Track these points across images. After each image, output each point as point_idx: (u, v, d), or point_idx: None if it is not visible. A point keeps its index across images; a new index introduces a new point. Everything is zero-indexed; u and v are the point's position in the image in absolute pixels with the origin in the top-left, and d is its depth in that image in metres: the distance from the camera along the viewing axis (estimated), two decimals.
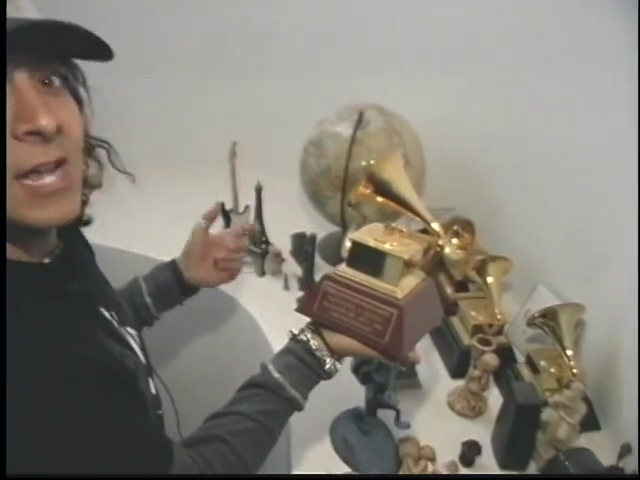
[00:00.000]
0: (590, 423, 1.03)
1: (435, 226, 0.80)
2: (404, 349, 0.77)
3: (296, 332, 0.80)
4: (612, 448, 1.00)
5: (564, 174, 1.20)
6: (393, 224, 0.81)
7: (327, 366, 0.78)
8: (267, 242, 1.43)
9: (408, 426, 0.97)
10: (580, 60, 1.11)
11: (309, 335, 0.79)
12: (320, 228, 1.50)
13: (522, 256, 1.27)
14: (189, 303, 1.13)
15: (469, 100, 1.46)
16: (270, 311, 1.31)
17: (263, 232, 1.43)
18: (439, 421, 1.07)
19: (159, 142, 1.81)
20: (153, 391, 0.78)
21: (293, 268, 1.42)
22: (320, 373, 0.79)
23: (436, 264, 1.35)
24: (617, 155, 1.04)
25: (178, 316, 1.36)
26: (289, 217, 1.56)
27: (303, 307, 0.82)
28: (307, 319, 0.82)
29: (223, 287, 1.36)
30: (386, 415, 1.02)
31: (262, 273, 1.44)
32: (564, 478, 0.89)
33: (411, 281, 0.80)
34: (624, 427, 1.02)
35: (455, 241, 1.32)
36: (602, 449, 0.97)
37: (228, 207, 1.43)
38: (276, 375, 0.77)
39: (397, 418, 0.97)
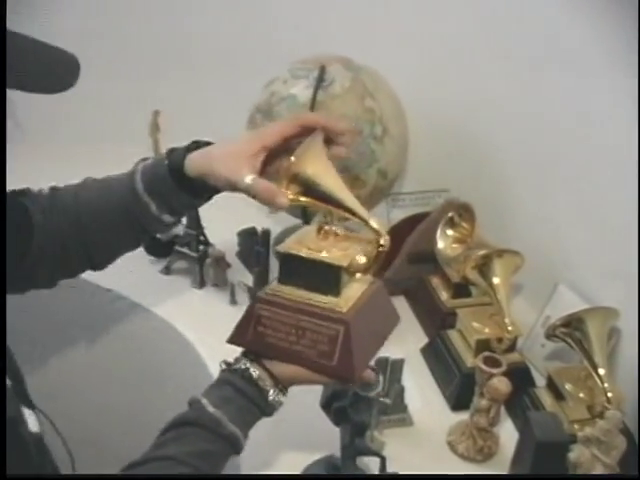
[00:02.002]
0: (631, 461, 1.01)
1: (374, 223, 0.84)
2: (356, 369, 0.81)
3: (231, 361, 0.83)
4: None
5: (587, 141, 1.20)
6: (326, 227, 0.85)
7: (270, 397, 0.82)
8: (206, 243, 1.41)
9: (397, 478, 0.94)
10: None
11: (247, 363, 0.82)
12: (275, 222, 1.48)
13: (537, 249, 1.26)
14: (102, 326, 1.11)
15: (463, 51, 1.44)
16: (212, 334, 1.25)
17: (200, 230, 1.40)
18: (437, 468, 1.04)
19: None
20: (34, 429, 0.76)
21: (242, 275, 1.39)
22: (262, 406, 0.82)
23: (428, 263, 1.34)
24: None
25: (83, 342, 1.33)
26: (233, 208, 1.52)
27: (235, 336, 0.85)
28: None
29: (150, 305, 1.35)
30: (368, 463, 1.00)
31: (201, 283, 1.41)
32: (563, 478, 0.93)
33: (355, 289, 0.84)
34: None
35: (450, 233, 1.32)
36: None
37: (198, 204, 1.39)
38: (211, 409, 0.78)
39: (382, 468, 0.95)
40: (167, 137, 1.38)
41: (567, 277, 1.23)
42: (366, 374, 0.87)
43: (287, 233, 1.47)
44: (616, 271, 1.16)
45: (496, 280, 1.18)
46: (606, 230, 1.18)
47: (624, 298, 1.11)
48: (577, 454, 0.96)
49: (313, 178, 0.83)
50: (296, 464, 1.02)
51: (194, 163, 0.87)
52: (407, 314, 1.37)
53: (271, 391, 0.82)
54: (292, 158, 0.82)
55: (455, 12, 1.43)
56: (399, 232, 1.39)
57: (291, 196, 0.84)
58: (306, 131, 0.87)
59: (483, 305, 1.24)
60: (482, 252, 1.20)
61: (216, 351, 1.19)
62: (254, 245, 1.36)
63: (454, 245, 1.30)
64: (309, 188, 0.84)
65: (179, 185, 0.88)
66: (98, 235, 0.93)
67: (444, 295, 1.32)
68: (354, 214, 0.85)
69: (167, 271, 1.43)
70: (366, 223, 0.84)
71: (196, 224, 1.40)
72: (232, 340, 0.85)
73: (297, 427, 1.09)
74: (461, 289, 1.31)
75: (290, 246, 0.82)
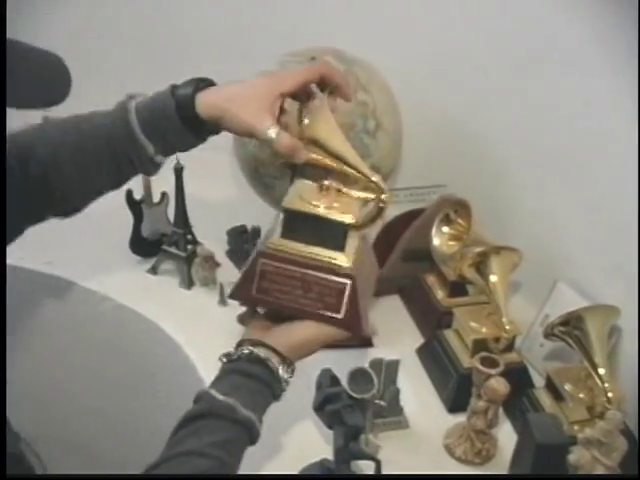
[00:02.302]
0: (632, 463, 1.01)
1: (376, 179, 0.89)
2: (362, 321, 0.86)
3: (231, 351, 0.84)
4: None
5: (588, 134, 1.20)
6: (326, 182, 0.90)
7: (281, 374, 0.83)
8: (194, 242, 1.40)
9: None
10: None
11: (250, 347, 0.83)
12: (265, 218, 1.46)
13: (535, 246, 1.27)
14: (88, 328, 1.10)
15: (460, 39, 1.43)
16: (202, 336, 1.28)
17: (187, 229, 1.40)
18: (435, 472, 1.05)
19: None
20: None
21: (231, 275, 1.38)
22: (273, 386, 0.83)
23: (423, 261, 1.35)
24: None
25: (80, 344, 1.32)
26: (222, 206, 1.53)
27: (238, 293, 0.88)
28: None
29: (138, 307, 1.35)
30: (363, 467, 1.00)
31: (189, 284, 1.40)
32: (564, 478, 0.93)
33: (354, 244, 0.88)
34: None
35: (446, 229, 1.32)
36: None
37: (137, 196, 1.39)
38: (222, 398, 0.79)
39: (377, 472, 0.96)
40: None
41: (567, 274, 1.24)
42: (370, 327, 0.90)
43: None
44: (617, 268, 1.16)
45: (493, 278, 1.18)
46: (606, 227, 1.18)
47: (625, 296, 1.12)
48: (577, 456, 0.97)
49: (324, 140, 0.88)
50: (289, 469, 1.03)
51: (208, 104, 0.85)
52: (402, 314, 1.38)
53: (280, 368, 0.83)
54: (306, 121, 0.88)
55: (453, 5, 1.43)
56: (393, 229, 1.40)
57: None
58: (320, 80, 0.90)
59: (480, 304, 1.24)
60: (479, 249, 1.20)
61: (205, 353, 1.21)
62: (244, 243, 1.36)
63: (450, 242, 1.31)
64: (321, 147, 0.89)
65: (186, 126, 0.86)
66: (76, 176, 0.88)
67: (440, 294, 1.32)
68: (359, 171, 0.89)
69: (154, 271, 1.43)
70: (369, 179, 0.88)
71: (184, 222, 1.40)
72: (234, 296, 0.89)
73: (289, 432, 1.10)
74: (457, 288, 1.31)
75: (296, 202, 0.86)
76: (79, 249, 1.03)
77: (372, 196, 0.88)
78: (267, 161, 1.32)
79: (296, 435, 1.10)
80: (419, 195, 1.44)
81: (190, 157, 1.33)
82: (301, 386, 1.14)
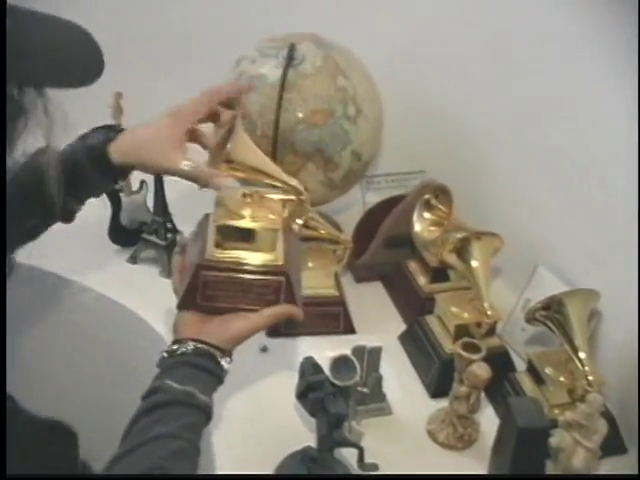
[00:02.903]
0: (613, 445, 1.04)
1: (294, 183, 1.03)
2: (300, 308, 0.98)
3: (174, 347, 0.89)
4: None
5: (570, 121, 1.21)
6: (246, 190, 0.99)
7: (223, 364, 0.90)
8: (174, 230, 1.39)
9: (376, 468, 0.96)
10: None
11: (195, 343, 0.88)
12: None
13: (516, 231, 1.27)
14: (66, 320, 1.09)
15: (440, 24, 1.44)
16: None
17: (167, 217, 1.39)
18: (418, 458, 1.06)
19: None
20: None
21: None
22: (220, 375, 0.90)
23: (405, 247, 1.35)
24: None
25: (59, 337, 1.31)
26: (200, 193, 1.51)
27: (185, 303, 0.95)
28: None
29: (119, 297, 1.33)
30: (346, 454, 1.01)
31: (170, 272, 1.36)
32: (564, 478, 0.94)
33: (281, 241, 1.00)
34: None
35: (427, 215, 1.32)
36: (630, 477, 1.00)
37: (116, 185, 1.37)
38: (180, 387, 0.84)
39: (360, 459, 0.96)
40: (131, 120, 1.35)
41: (547, 259, 1.25)
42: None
43: None
44: (595, 253, 1.17)
45: (475, 263, 1.18)
46: (586, 213, 1.19)
47: (603, 280, 1.13)
48: (558, 439, 0.98)
49: (244, 160, 1.00)
50: (272, 458, 1.03)
51: (121, 153, 0.93)
52: (384, 300, 1.38)
53: (222, 361, 0.89)
54: (228, 146, 0.96)
55: None
56: (375, 215, 1.41)
57: (225, 174, 0.99)
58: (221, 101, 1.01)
59: (462, 290, 1.25)
60: (460, 235, 1.20)
61: None
62: None
63: (431, 228, 1.31)
64: (241, 167, 1.01)
65: (100, 175, 0.95)
66: None
67: (422, 280, 1.33)
68: (278, 179, 1.02)
69: (134, 260, 1.42)
70: (288, 184, 1.02)
71: (163, 211, 1.39)
72: (181, 306, 0.95)
73: (272, 420, 1.10)
74: (439, 274, 1.32)
75: (225, 217, 0.95)
76: (56, 239, 1.01)
77: (292, 197, 1.02)
78: None
79: (279, 423, 1.10)
80: (400, 181, 1.45)
81: None
82: (284, 374, 1.15)
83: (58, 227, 1.44)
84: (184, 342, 0.89)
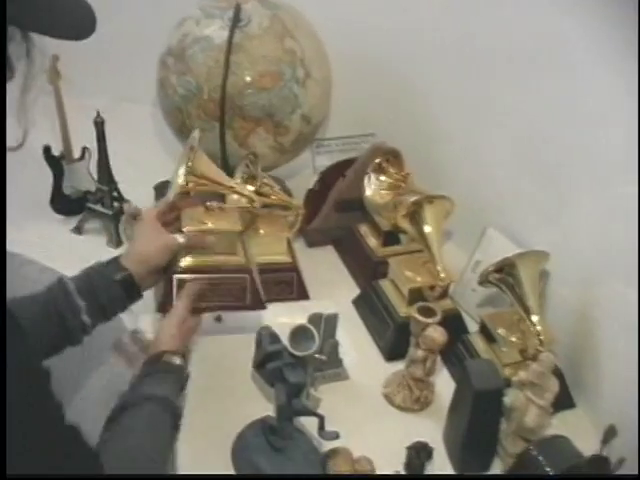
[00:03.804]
0: (563, 400, 1.07)
1: (247, 192, 1.18)
2: (263, 299, 1.13)
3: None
4: (591, 429, 1.06)
5: (518, 78, 1.21)
6: (208, 203, 1.12)
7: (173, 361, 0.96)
8: (120, 199, 1.37)
9: (337, 436, 0.96)
10: None
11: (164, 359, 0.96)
12: None
13: (466, 193, 1.28)
14: (14, 292, 1.05)
15: None
16: None
17: (113, 185, 1.36)
18: (375, 421, 1.07)
19: None
20: None
21: None
22: (174, 370, 0.96)
23: (356, 211, 1.35)
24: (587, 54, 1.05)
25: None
26: (146, 159, 1.49)
27: (162, 307, 1.07)
28: None
29: (63, 268, 1.29)
30: (305, 422, 1.02)
31: (117, 242, 1.37)
32: (565, 478, 0.91)
33: (241, 243, 1.14)
34: (604, 403, 1.07)
35: (378, 179, 1.32)
36: (579, 432, 1.02)
37: (56, 152, 1.34)
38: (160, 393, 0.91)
39: (321, 427, 0.96)
40: (68, 84, 1.30)
41: (497, 221, 1.25)
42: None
43: None
44: (545, 214, 1.19)
45: (427, 228, 1.19)
46: (536, 175, 1.20)
47: (552, 240, 1.14)
48: (512, 398, 1.01)
49: (205, 175, 1.11)
50: (232, 428, 1.03)
51: (133, 261, 1.01)
52: (337, 265, 1.39)
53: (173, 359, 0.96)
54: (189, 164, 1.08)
55: None
56: (326, 180, 1.40)
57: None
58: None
59: (414, 252, 1.25)
60: (413, 199, 1.20)
61: (138, 315, 1.18)
62: None
63: (383, 192, 1.31)
64: (203, 181, 1.11)
65: (118, 286, 1.00)
66: None
67: (374, 244, 1.33)
68: (234, 190, 1.17)
69: (79, 231, 1.38)
70: (242, 194, 1.17)
71: (108, 179, 1.35)
72: (160, 310, 1.08)
73: (230, 391, 1.09)
74: (391, 237, 1.32)
75: (192, 225, 1.08)
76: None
77: (247, 205, 1.16)
78: (194, 113, 1.28)
79: (237, 394, 1.09)
80: (351, 144, 1.44)
81: (111, 111, 1.29)
82: (239, 344, 1.13)
83: None
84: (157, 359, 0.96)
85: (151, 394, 0.90)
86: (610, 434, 0.94)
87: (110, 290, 0.99)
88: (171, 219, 1.10)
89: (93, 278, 0.99)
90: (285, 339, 0.98)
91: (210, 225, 1.10)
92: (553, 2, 1.10)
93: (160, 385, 0.92)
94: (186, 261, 1.07)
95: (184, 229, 1.08)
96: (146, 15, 1.39)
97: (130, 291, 1.01)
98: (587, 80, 1.06)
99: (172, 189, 1.10)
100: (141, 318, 1.16)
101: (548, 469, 0.93)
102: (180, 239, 1.06)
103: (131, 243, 1.08)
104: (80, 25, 0.70)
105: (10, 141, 0.74)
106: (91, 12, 0.71)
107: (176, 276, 1.06)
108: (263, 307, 1.13)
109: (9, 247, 1.32)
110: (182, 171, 1.08)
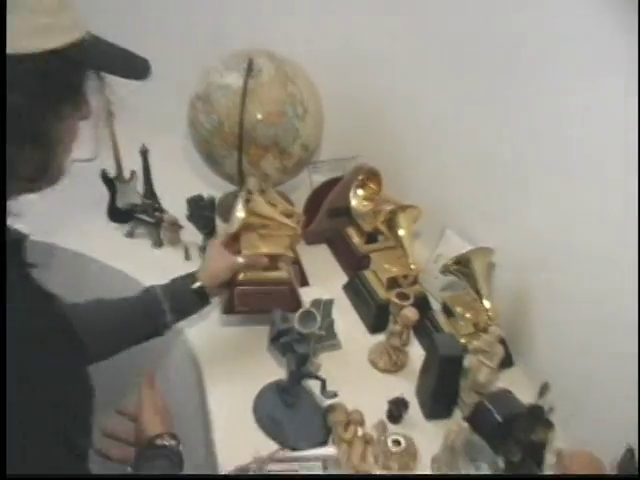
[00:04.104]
0: (505, 361, 1.05)
1: (287, 221, 1.14)
2: (301, 303, 1.12)
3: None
4: (526, 383, 1.05)
5: (465, 101, 1.18)
6: (263, 231, 1.13)
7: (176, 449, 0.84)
8: (161, 210, 1.33)
9: (335, 395, 0.96)
10: None
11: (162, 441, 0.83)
12: (214, 188, 1.41)
13: (428, 200, 1.25)
14: (77, 288, 1.03)
15: (361, 29, 1.38)
16: None
17: (155, 199, 1.33)
18: (363, 381, 1.07)
19: None
20: None
21: (193, 235, 1.33)
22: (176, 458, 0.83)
23: (344, 217, 1.33)
24: (523, 78, 1.03)
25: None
26: (180, 179, 1.46)
27: (227, 308, 1.12)
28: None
29: (119, 265, 1.28)
30: (309, 384, 1.00)
31: (159, 244, 1.34)
32: (568, 479, 0.86)
33: (285, 262, 1.16)
34: (536, 363, 1.07)
35: (361, 192, 1.31)
36: (517, 385, 1.01)
37: (111, 174, 1.31)
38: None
39: (323, 388, 0.95)
40: (118, 120, 1.26)
41: (453, 222, 1.23)
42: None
43: (227, 198, 1.42)
44: (491, 216, 1.17)
45: (401, 231, 1.17)
46: (483, 181, 1.18)
47: (497, 237, 1.13)
48: (468, 362, 1.00)
49: (261, 213, 1.12)
50: (253, 388, 1.02)
51: (207, 278, 1.02)
52: (329, 260, 1.36)
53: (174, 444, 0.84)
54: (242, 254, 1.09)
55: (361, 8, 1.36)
56: (319, 193, 1.38)
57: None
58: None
59: (390, 249, 1.24)
60: (389, 208, 1.19)
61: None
62: (201, 210, 1.30)
63: (364, 202, 1.30)
64: (260, 216, 1.12)
65: (195, 295, 1.01)
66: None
67: (358, 242, 1.31)
68: (281, 221, 1.13)
69: (130, 235, 1.35)
70: (288, 224, 1.13)
71: (151, 194, 1.33)
72: (226, 311, 1.12)
73: (251, 359, 1.08)
74: (371, 237, 1.30)
75: (249, 249, 1.10)
76: (67, 221, 0.95)
77: (291, 232, 1.14)
78: (217, 143, 1.26)
79: (256, 361, 1.08)
80: (338, 165, 1.42)
81: (152, 142, 1.27)
82: (259, 323, 1.12)
83: (67, 211, 1.35)
84: (156, 440, 0.84)
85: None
86: (544, 389, 0.94)
87: (187, 297, 0.99)
88: (233, 244, 1.10)
89: (175, 287, 0.99)
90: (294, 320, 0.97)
91: (263, 249, 1.11)
92: None
93: (157, 470, 0.81)
94: (244, 276, 1.09)
95: (243, 252, 1.09)
96: (176, 65, 1.35)
97: (202, 298, 1.01)
98: (541, 85, 1.00)
99: (233, 223, 1.09)
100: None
101: (497, 416, 0.92)
102: (240, 260, 1.06)
103: (203, 262, 1.07)
104: (140, 70, 0.71)
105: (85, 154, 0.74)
106: (147, 62, 0.72)
107: (237, 288, 1.08)
108: (300, 307, 1.08)
109: (76, 249, 1.31)
110: (241, 209, 1.09)
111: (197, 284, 1.00)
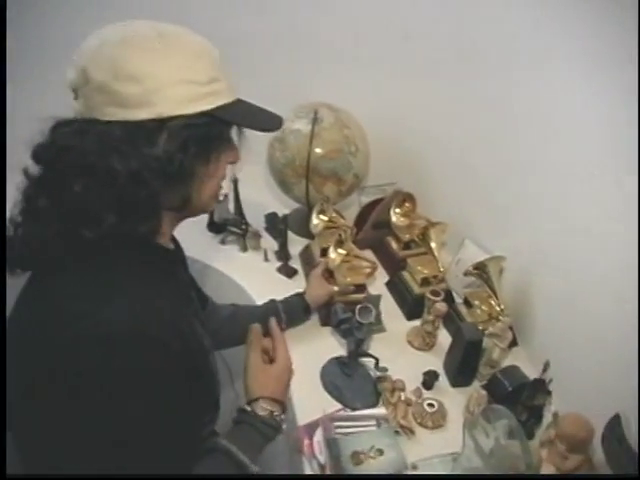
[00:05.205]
0: (511, 342, 1.07)
1: (369, 258, 1.21)
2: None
3: (246, 408, 0.73)
4: (528, 360, 1.07)
5: (479, 151, 1.21)
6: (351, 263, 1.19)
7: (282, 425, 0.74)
8: (246, 224, 1.39)
9: (386, 370, 0.99)
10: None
11: (265, 406, 0.72)
12: (285, 205, 1.47)
13: (451, 216, 1.28)
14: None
15: (403, 90, 1.39)
16: (255, 280, 1.27)
17: (242, 215, 1.39)
18: (404, 356, 1.09)
19: None
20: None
21: (270, 243, 1.39)
22: (274, 438, 0.72)
23: (385, 229, 1.35)
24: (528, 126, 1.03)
25: None
26: (260, 200, 1.51)
27: (324, 322, 1.14)
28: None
29: (216, 265, 1.31)
30: (364, 361, 1.04)
31: (245, 249, 1.39)
32: (570, 479, 0.82)
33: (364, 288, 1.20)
34: (538, 345, 1.08)
35: (398, 210, 1.33)
36: (521, 362, 1.04)
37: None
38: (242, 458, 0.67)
39: (376, 365, 0.99)
40: None
41: (470, 234, 1.25)
42: None
43: (296, 213, 1.46)
44: (498, 230, 1.19)
45: (433, 244, 1.20)
46: (493, 205, 1.19)
47: (507, 247, 1.14)
48: (485, 343, 1.03)
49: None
50: (318, 361, 1.05)
51: (312, 300, 1.10)
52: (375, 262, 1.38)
53: (283, 422, 0.73)
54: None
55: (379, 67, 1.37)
56: (366, 210, 1.41)
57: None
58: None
59: (422, 254, 1.25)
60: (423, 224, 1.21)
61: (257, 291, 1.21)
62: (276, 224, 1.35)
63: (402, 218, 1.32)
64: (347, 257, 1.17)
65: (303, 310, 1.10)
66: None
67: (397, 248, 1.32)
68: (362, 258, 1.21)
69: (223, 243, 1.41)
70: (367, 260, 1.19)
71: (239, 212, 1.39)
72: (323, 324, 1.13)
73: (318, 340, 1.12)
74: (406, 245, 1.32)
75: (340, 279, 1.15)
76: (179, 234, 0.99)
77: (369, 269, 1.19)
78: (289, 173, 1.31)
79: (322, 342, 1.11)
80: (381, 189, 1.44)
81: (240, 172, 1.32)
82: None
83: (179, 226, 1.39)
84: (256, 402, 0.71)
85: (227, 450, 0.66)
86: (546, 366, 0.96)
87: (298, 311, 1.09)
88: (328, 275, 1.16)
89: (289, 303, 1.09)
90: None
91: (349, 279, 1.16)
92: None
93: (239, 441, 0.67)
94: (337, 299, 1.12)
95: (338, 279, 1.15)
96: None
97: (306, 314, 1.11)
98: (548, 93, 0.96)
99: (328, 260, 1.15)
100: None
101: (507, 384, 0.95)
102: (335, 288, 1.13)
103: (307, 288, 1.12)
104: (273, 123, 0.69)
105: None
106: (280, 118, 0.69)
107: (333, 307, 1.09)
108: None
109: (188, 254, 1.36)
110: (334, 252, 1.15)
111: (303, 303, 1.09)
